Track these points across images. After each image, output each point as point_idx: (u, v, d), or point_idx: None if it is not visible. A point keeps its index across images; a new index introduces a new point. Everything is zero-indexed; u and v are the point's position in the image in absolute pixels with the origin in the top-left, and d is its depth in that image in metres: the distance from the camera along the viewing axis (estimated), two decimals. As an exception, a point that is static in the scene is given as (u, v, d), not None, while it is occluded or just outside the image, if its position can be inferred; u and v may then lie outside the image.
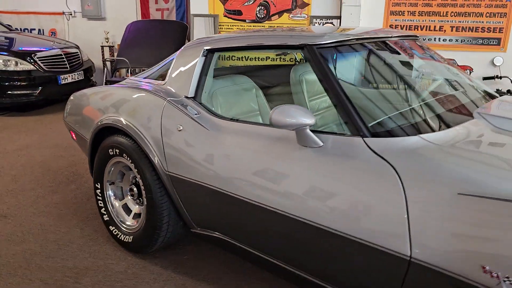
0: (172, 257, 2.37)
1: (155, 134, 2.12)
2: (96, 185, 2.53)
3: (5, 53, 5.41)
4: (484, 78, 4.43)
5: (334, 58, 1.86)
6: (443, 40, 4.56)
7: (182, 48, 2.32)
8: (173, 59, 2.37)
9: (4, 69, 5.32)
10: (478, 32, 4.44)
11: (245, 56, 5.01)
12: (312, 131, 1.63)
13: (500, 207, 1.20)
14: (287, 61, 4.42)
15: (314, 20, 4.82)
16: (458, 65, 4.62)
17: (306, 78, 2.71)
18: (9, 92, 5.37)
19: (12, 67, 5.38)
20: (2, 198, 3.07)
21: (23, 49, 5.64)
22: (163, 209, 2.16)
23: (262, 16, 4.98)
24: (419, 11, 4.53)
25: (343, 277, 1.55)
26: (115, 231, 2.45)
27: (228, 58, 5.03)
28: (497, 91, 4.28)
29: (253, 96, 2.43)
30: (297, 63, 3.59)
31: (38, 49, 5.74)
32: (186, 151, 1.99)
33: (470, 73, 4.60)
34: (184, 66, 2.23)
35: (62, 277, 2.18)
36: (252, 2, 4.94)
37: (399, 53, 2.20)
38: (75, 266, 2.27)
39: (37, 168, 3.67)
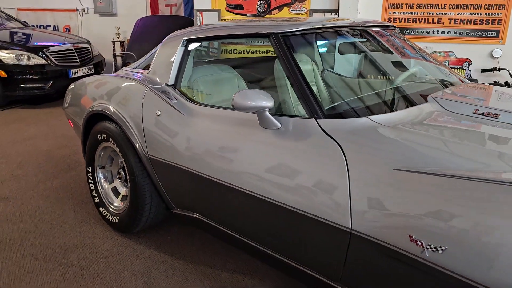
0: (155, 237, 2.50)
1: (136, 119, 2.25)
2: (88, 169, 2.68)
3: (18, 48, 5.64)
4: (483, 71, 4.42)
5: (299, 45, 1.94)
6: (441, 32, 4.56)
7: (165, 39, 2.45)
8: (157, 49, 2.49)
9: (17, 63, 5.55)
10: (477, 24, 4.43)
11: (246, 49, 5.11)
12: (276, 114, 1.72)
13: (428, 181, 1.28)
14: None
15: (314, 14, 4.88)
16: (456, 57, 4.62)
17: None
18: (21, 85, 5.61)
19: (24, 61, 5.61)
20: (6, 183, 3.26)
21: (36, 44, 5.87)
22: (145, 190, 2.29)
23: (263, 10, 5.07)
24: (417, 4, 4.55)
25: (296, 250, 1.64)
26: (104, 212, 2.60)
27: (230, 52, 5.14)
28: (495, 83, 4.27)
29: (235, 85, 2.53)
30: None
31: (50, 44, 5.96)
32: (163, 135, 2.11)
33: (469, 65, 4.60)
34: (166, 56, 2.35)
35: (51, 253, 2.33)
36: (253, -4, 5.03)
37: (371, 42, 2.27)
38: (65, 244, 2.43)
39: (42, 156, 3.86)
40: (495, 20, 4.35)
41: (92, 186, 2.67)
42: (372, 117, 1.59)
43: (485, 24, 4.39)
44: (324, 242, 1.52)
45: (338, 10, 4.68)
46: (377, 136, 1.49)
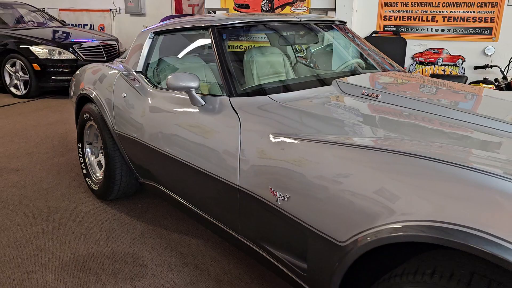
0: (129, 205, 2.89)
1: (109, 101, 2.64)
2: (78, 145, 3.11)
3: (51, 44, 6.28)
4: (475, 68, 4.48)
5: (232, 36, 2.25)
6: (435, 30, 4.67)
7: (139, 33, 2.82)
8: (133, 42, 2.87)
9: (49, 57, 6.18)
10: (470, 22, 4.50)
11: (251, 45, 5.42)
12: (208, 94, 2.03)
13: (290, 143, 1.55)
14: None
15: (313, 12, 5.12)
16: (450, 54, 4.70)
17: (256, 60, 3.09)
18: (53, 77, 6.24)
19: (56, 56, 6.23)
20: (21, 158, 3.78)
21: (68, 41, 6.50)
22: (115, 162, 2.68)
23: (267, 9, 5.37)
24: (412, 2, 4.68)
25: (212, 207, 1.95)
26: (89, 182, 3.02)
27: (237, 47, 5.48)
28: (484, 79, 4.33)
29: (202, 73, 2.87)
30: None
31: (80, 40, 6.57)
32: (127, 114, 2.48)
33: (463, 62, 4.67)
34: (137, 47, 2.72)
35: (39, 212, 2.77)
36: (258, -4, 5.34)
37: (308, 35, 2.53)
38: (53, 206, 2.86)
39: (57, 138, 4.38)
40: (488, 17, 4.41)
41: (81, 160, 3.10)
42: (271, 95, 1.88)
43: (478, 21, 4.46)
44: (225, 198, 1.82)
45: (335, 8, 4.90)
46: (268, 109, 1.77)
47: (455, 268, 1.03)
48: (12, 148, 4.03)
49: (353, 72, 2.43)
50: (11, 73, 6.38)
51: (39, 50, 6.15)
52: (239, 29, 2.30)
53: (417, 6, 4.66)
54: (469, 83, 4.25)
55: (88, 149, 3.07)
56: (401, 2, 4.72)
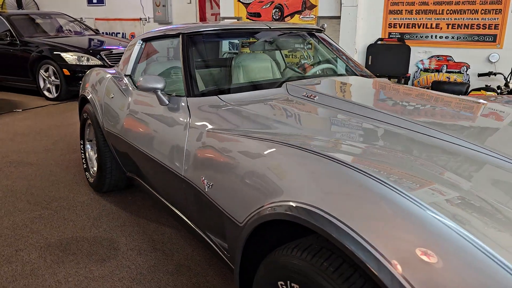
0: (120, 197, 3.15)
1: (100, 101, 2.92)
2: (80, 142, 3.42)
3: (80, 51, 6.76)
4: (479, 75, 4.46)
5: (200, 43, 2.46)
6: (439, 37, 4.68)
7: (130, 41, 3.09)
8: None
9: (78, 63, 6.66)
10: (474, 29, 4.48)
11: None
12: (177, 95, 2.24)
13: (221, 138, 1.73)
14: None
15: (321, 20, 5.26)
16: (454, 61, 4.69)
17: (243, 65, 3.28)
18: (80, 82, 6.69)
19: (84, 62, 6.70)
20: (38, 154, 4.16)
21: (96, 48, 6.97)
22: (106, 156, 2.95)
23: (277, 17, 5.55)
24: (416, 10, 4.72)
25: (170, 196, 2.16)
26: (87, 175, 3.31)
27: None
28: (486, 87, 4.30)
29: (210, 78, 3.09)
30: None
31: (107, 47, 7.02)
32: (113, 112, 2.74)
33: (467, 69, 4.64)
34: (128, 52, 2.99)
35: (41, 201, 3.09)
36: (268, 5, 5.55)
37: (276, 43, 2.70)
38: (54, 196, 3.17)
39: (74, 137, 4.75)
40: (492, 24, 4.38)
41: (82, 155, 3.40)
42: (221, 96, 2.06)
43: (482, 28, 4.44)
44: (177, 188, 2.02)
45: (340, 16, 5.02)
46: (213, 108, 1.96)
47: (316, 243, 1.17)
48: (32, 145, 4.43)
49: (319, 75, 2.57)
50: (45, 77, 6.91)
51: (69, 57, 6.64)
52: (210, 36, 2.51)
53: (422, 14, 4.69)
54: (471, 90, 4.23)
55: (88, 146, 3.37)
56: (406, 10, 4.77)
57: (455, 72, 4.66)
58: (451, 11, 4.53)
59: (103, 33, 9.01)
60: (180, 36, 2.41)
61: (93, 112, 3.02)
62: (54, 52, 6.73)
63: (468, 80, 4.65)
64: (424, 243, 0.91)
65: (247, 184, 1.42)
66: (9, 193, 3.23)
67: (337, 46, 2.88)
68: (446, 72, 4.71)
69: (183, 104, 2.12)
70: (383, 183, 1.07)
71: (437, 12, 4.60)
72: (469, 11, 4.44)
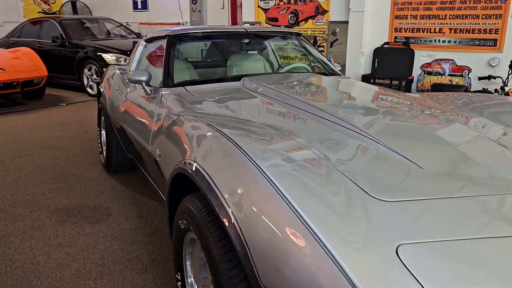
0: (126, 177, 3.65)
1: (109, 93, 3.44)
2: (98, 129, 3.97)
3: (119, 52, 7.46)
4: (480, 78, 4.56)
5: (184, 42, 2.89)
6: (442, 41, 4.82)
7: (138, 42, 3.59)
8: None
9: (116, 63, 7.35)
10: (475, 33, 4.60)
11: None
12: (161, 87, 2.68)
13: (185, 121, 2.13)
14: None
15: (331, 24, 5.54)
16: (457, 65, 4.80)
17: (236, 64, 3.69)
18: (119, 80, 7.39)
19: (122, 62, 7.38)
20: (68, 139, 4.78)
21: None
22: (112, 140, 3.46)
23: (293, 22, 5.90)
24: (421, 15, 4.89)
25: (146, 166, 2.60)
26: (101, 157, 3.85)
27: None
28: (484, 90, 4.41)
29: (187, 73, 3.54)
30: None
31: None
32: (116, 102, 3.24)
33: (469, 73, 4.74)
34: (134, 52, 3.49)
35: (60, 176, 3.65)
36: (285, 11, 5.91)
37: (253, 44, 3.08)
38: (72, 173, 3.73)
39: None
40: (493, 29, 4.48)
41: (98, 140, 3.95)
42: (187, 87, 2.48)
43: (483, 33, 4.55)
44: (149, 162, 2.45)
45: (348, 21, 5.28)
46: (176, 96, 2.38)
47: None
48: (66, 133, 5.08)
49: (289, 73, 2.91)
50: (88, 76, 7.68)
51: (108, 57, 7.35)
52: (193, 38, 2.94)
53: (426, 19, 4.86)
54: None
55: (103, 132, 3.91)
56: (411, 15, 4.95)
57: (457, 75, 4.78)
58: (453, 16, 4.67)
59: (145, 36, 9.77)
60: (167, 37, 2.86)
61: (104, 102, 3.55)
62: (97, 53, 7.48)
63: (470, 83, 4.75)
64: (248, 187, 1.26)
65: (174, 151, 1.82)
66: (37, 169, 3.83)
67: (313, 49, 3.21)
68: (449, 75, 4.84)
69: (159, 93, 2.56)
70: (244, 152, 1.40)
71: (440, 17, 4.75)
72: (470, 16, 4.56)
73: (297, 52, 3.34)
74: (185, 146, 1.72)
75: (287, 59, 3.68)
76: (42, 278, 2.21)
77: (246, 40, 3.19)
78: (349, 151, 1.55)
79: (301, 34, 3.28)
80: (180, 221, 1.60)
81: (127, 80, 3.20)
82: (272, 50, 3.74)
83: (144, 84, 2.67)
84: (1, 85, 6.23)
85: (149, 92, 2.65)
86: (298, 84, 2.49)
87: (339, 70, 3.30)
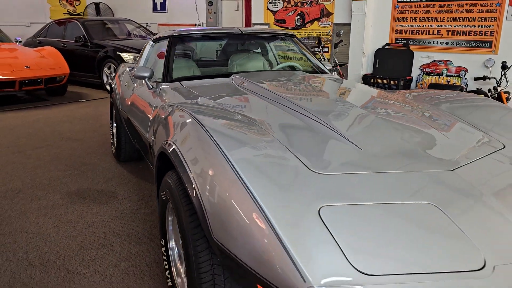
0: (133, 165, 3.98)
1: (119, 88, 3.77)
2: (110, 122, 4.31)
3: (135, 51, 7.85)
4: (475, 79, 4.72)
5: (184, 42, 3.18)
6: (440, 43, 4.99)
7: (146, 42, 3.91)
8: (145, 47, 3.97)
9: (134, 62, 7.73)
10: (471, 35, 4.75)
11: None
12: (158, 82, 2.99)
13: (178, 111, 2.42)
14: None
15: (335, 26, 5.76)
16: (454, 66, 4.96)
17: (237, 63, 3.97)
18: (136, 78, 7.78)
19: (139, 62, 7.77)
20: (86, 132, 5.16)
21: (151, 49, 8.02)
22: (121, 131, 3.79)
23: (300, 24, 6.15)
24: (420, 17, 5.07)
25: (146, 155, 2.90)
26: (112, 148, 4.19)
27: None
28: (477, 90, 4.56)
29: (191, 70, 3.85)
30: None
31: (161, 50, 8.06)
32: (124, 97, 3.57)
33: (465, 74, 4.89)
34: (142, 51, 3.81)
35: (74, 164, 4.01)
36: (292, 13, 6.16)
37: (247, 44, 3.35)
38: (85, 161, 4.09)
39: (118, 121, 5.73)
40: (488, 31, 4.63)
41: (111, 132, 4.29)
42: (183, 82, 2.77)
43: (479, 35, 4.70)
44: (148, 148, 2.75)
45: (351, 23, 5.49)
46: (172, 89, 2.68)
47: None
48: (84, 127, 5.47)
49: (279, 71, 3.17)
50: (107, 74, 8.10)
51: (127, 56, 7.75)
52: (193, 39, 3.24)
53: (425, 21, 5.04)
54: (463, 93, 4.51)
55: (114, 124, 4.25)
56: (411, 17, 5.13)
57: (455, 76, 4.94)
58: (451, 19, 4.83)
59: (163, 37, 10.17)
60: (169, 38, 3.16)
61: (115, 97, 3.88)
62: (116, 52, 7.89)
63: (466, 84, 4.90)
64: (210, 166, 1.53)
65: (163, 135, 2.11)
66: (55, 158, 4.20)
67: (305, 49, 3.46)
68: (446, 76, 5.01)
69: (159, 87, 2.86)
70: (213, 139, 1.67)
71: (439, 20, 4.91)
72: (467, 18, 4.72)
73: (292, 52, 3.59)
74: (170, 130, 2.01)
75: (285, 58, 3.94)
76: (52, 247, 2.54)
77: (241, 40, 3.47)
78: (303, 135, 1.81)
79: (295, 35, 3.53)
80: (162, 193, 1.89)
81: (134, 76, 3.52)
82: (271, 49, 4.01)
83: (146, 79, 2.98)
84: (26, 81, 6.69)
85: (151, 87, 2.96)
86: (280, 80, 2.75)
87: (340, 69, 3.55)
